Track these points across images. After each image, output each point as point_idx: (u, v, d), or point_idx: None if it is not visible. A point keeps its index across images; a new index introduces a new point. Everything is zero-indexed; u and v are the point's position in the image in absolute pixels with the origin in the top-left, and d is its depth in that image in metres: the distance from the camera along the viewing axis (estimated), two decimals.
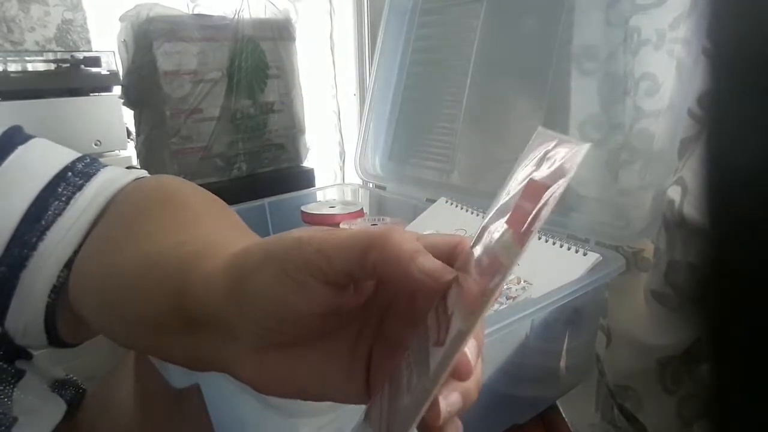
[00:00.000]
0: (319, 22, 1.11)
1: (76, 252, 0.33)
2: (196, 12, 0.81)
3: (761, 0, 0.15)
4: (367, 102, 0.82)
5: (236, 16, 0.81)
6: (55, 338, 0.35)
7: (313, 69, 1.09)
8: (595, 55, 0.53)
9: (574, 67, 0.55)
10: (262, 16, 0.84)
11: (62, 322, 0.34)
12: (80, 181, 0.35)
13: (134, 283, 0.26)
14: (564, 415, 0.48)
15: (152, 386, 0.52)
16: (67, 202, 0.34)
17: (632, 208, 0.51)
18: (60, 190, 0.34)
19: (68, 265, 0.33)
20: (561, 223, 0.55)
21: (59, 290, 0.33)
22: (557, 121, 0.57)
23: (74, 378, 0.41)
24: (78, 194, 0.34)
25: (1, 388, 0.35)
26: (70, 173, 0.35)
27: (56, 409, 0.37)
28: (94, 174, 0.36)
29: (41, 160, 0.35)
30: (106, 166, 0.37)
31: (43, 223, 0.33)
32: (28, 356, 0.39)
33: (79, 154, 0.37)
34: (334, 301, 0.19)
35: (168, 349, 0.25)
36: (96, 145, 0.82)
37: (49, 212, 0.33)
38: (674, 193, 0.44)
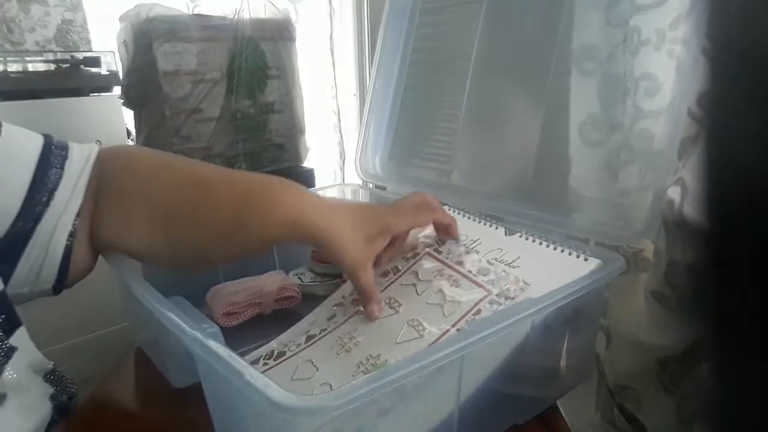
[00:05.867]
0: (319, 23, 1.11)
1: (83, 204, 0.43)
2: (196, 12, 0.81)
3: (761, 0, 0.15)
4: (367, 102, 0.82)
5: (236, 17, 0.81)
6: (61, 280, 0.43)
7: (313, 69, 1.09)
8: (595, 55, 0.53)
9: (574, 67, 0.55)
10: (262, 16, 0.84)
11: (74, 261, 0.43)
12: (62, 152, 0.43)
13: (198, 194, 0.44)
14: (564, 415, 0.48)
15: (152, 386, 0.52)
16: (62, 168, 0.42)
17: (632, 208, 0.51)
18: (52, 159, 0.42)
19: (79, 214, 0.42)
20: (561, 223, 0.55)
21: (74, 234, 0.42)
22: (557, 121, 0.57)
23: (65, 376, 0.41)
24: (67, 162, 0.43)
25: None
26: (51, 146, 0.43)
27: (44, 392, 0.38)
28: (66, 146, 0.44)
29: (22, 136, 0.42)
30: (58, 139, 0.45)
31: (49, 185, 0.41)
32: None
33: (39, 133, 0.44)
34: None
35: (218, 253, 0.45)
36: (96, 145, 0.82)
37: (51, 177, 0.42)
38: (674, 193, 0.44)
